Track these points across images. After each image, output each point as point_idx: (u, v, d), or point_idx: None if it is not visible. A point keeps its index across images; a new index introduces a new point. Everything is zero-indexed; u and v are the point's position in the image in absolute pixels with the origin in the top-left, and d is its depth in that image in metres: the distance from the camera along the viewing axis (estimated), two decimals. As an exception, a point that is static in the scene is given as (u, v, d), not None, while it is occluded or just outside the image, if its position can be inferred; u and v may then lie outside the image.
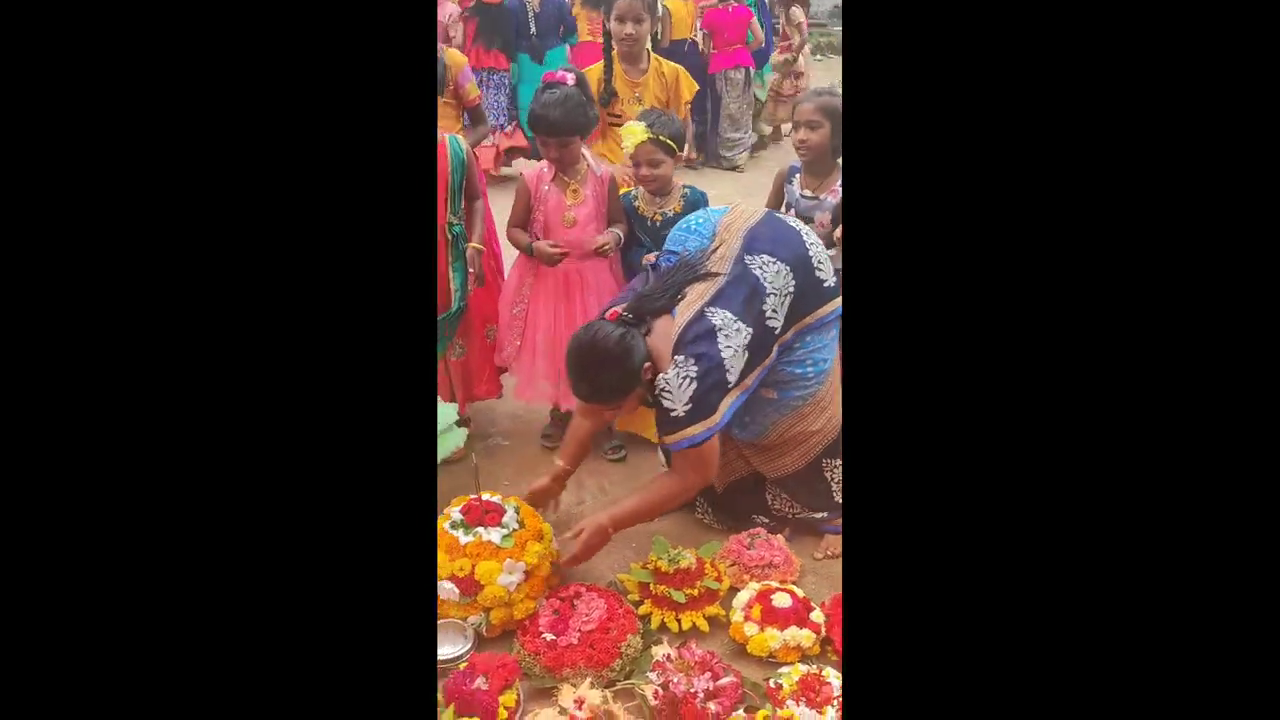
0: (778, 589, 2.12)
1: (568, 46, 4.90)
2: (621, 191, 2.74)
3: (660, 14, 5.15)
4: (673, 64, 3.17)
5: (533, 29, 4.76)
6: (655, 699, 1.86)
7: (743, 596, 2.13)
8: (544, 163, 2.60)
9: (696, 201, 2.68)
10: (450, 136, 2.60)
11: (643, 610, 2.13)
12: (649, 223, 2.66)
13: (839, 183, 2.58)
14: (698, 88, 3.17)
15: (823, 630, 2.05)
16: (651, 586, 2.15)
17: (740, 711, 1.83)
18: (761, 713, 1.79)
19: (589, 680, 1.91)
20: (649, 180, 2.62)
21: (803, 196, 2.63)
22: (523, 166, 4.93)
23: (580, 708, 1.83)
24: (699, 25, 5.65)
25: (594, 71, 3.07)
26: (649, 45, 3.13)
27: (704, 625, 2.11)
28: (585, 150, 2.61)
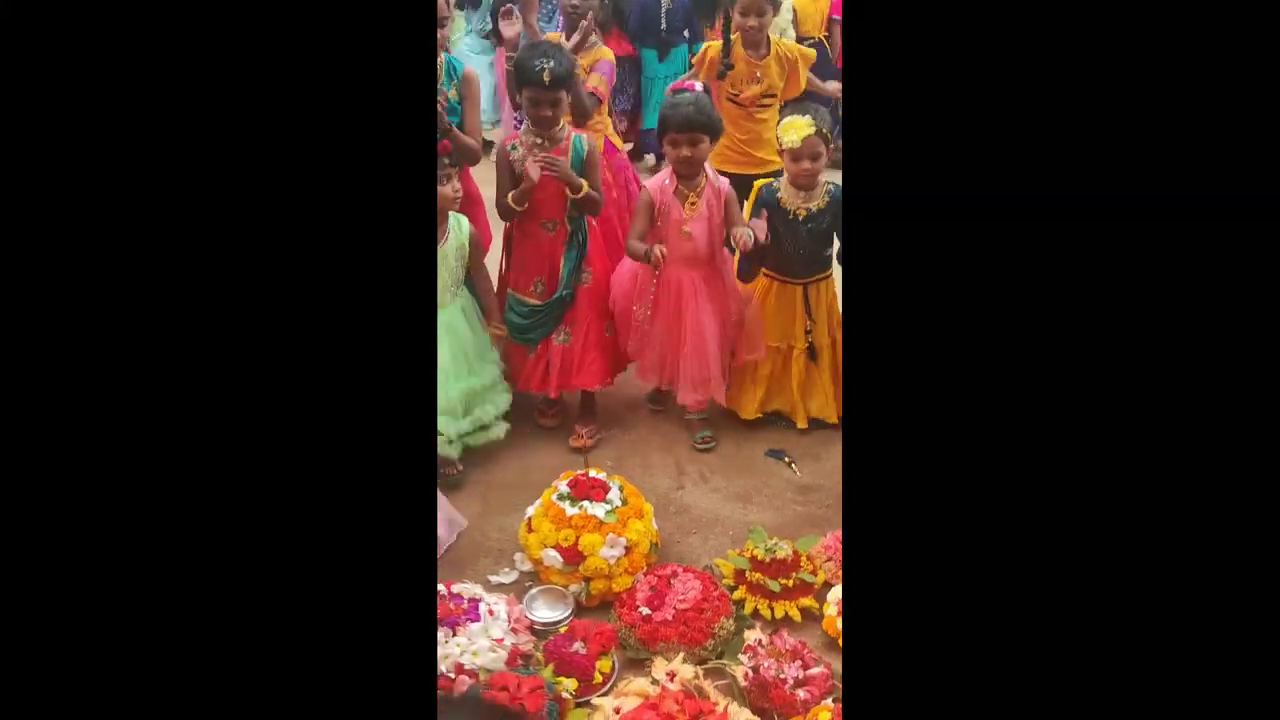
0: (873, 587, 2.13)
1: (690, 51, 4.95)
2: (761, 183, 2.79)
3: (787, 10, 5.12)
4: (793, 45, 3.26)
5: (663, 25, 4.84)
6: (745, 680, 1.91)
7: (838, 591, 2.16)
8: (665, 174, 2.66)
9: (839, 198, 2.68)
10: (574, 135, 2.68)
11: (737, 595, 2.18)
12: (790, 215, 2.68)
13: None
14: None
15: (916, 632, 2.06)
16: (747, 574, 2.19)
17: (829, 701, 1.86)
18: (850, 703, 1.82)
19: (681, 655, 1.97)
20: (809, 175, 2.63)
21: None
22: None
23: (672, 680, 1.89)
24: (829, 19, 5.54)
25: (712, 49, 3.16)
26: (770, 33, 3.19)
27: (796, 616, 2.14)
28: (705, 164, 2.67)
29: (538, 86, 2.53)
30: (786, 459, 2.77)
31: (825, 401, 2.88)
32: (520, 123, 2.87)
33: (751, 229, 2.59)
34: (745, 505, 2.59)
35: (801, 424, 2.89)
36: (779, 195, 2.69)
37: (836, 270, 2.85)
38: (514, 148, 2.65)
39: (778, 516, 2.54)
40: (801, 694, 1.88)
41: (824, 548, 2.32)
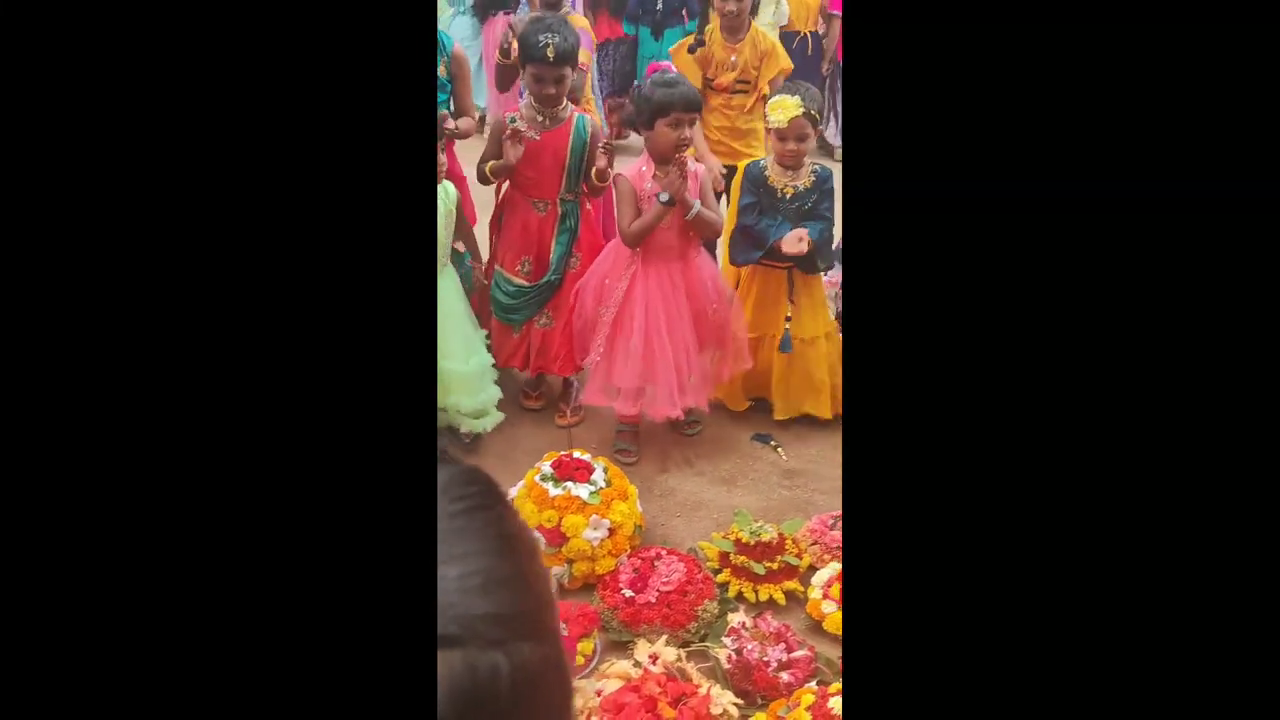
0: (858, 571, 2.12)
1: (686, 33, 4.92)
2: (747, 162, 2.74)
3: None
4: (771, 38, 3.21)
5: (659, 5, 4.80)
6: (729, 663, 1.89)
7: (822, 575, 2.14)
8: (641, 160, 2.59)
9: (826, 178, 2.66)
10: (577, 115, 2.64)
11: (721, 578, 2.16)
12: (779, 194, 2.64)
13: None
14: (791, 68, 3.16)
15: (901, 616, 2.05)
16: (731, 556, 2.17)
17: (813, 684, 1.84)
18: (835, 685, 1.81)
19: (664, 638, 1.95)
20: (795, 155, 2.58)
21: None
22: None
23: (654, 663, 1.87)
24: (827, 13, 5.48)
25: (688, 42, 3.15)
26: (751, 19, 3.18)
27: (781, 599, 2.13)
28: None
29: (541, 63, 2.46)
30: (773, 443, 2.75)
31: (818, 398, 2.77)
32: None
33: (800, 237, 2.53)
34: (730, 489, 2.57)
35: (779, 415, 2.79)
36: (766, 174, 2.66)
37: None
38: (513, 120, 2.58)
39: (763, 500, 2.53)
40: (785, 676, 1.86)
41: (809, 531, 2.30)
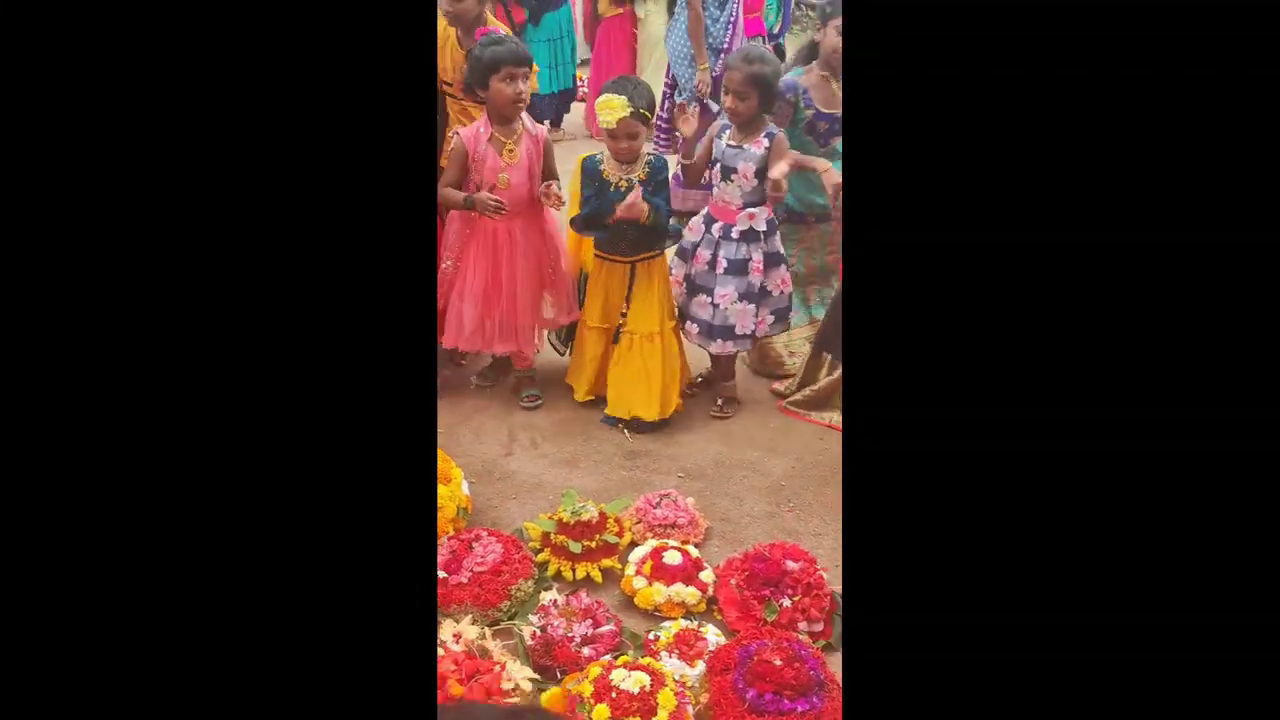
0: (672, 547, 2.16)
1: (570, 4, 4.94)
2: (584, 156, 2.77)
3: None
4: None
5: None
6: (531, 639, 1.92)
7: (639, 552, 2.18)
8: (481, 121, 2.64)
9: (660, 168, 2.69)
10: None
11: (541, 558, 2.19)
12: (613, 188, 2.65)
13: (763, 134, 2.65)
14: None
15: (710, 589, 2.09)
16: (551, 536, 2.20)
17: (607, 657, 1.88)
18: (623, 658, 1.84)
19: (470, 616, 1.97)
20: (628, 151, 2.62)
21: (729, 146, 2.67)
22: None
23: (457, 641, 1.89)
24: None
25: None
26: None
27: (598, 576, 2.16)
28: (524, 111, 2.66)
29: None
30: (620, 425, 2.78)
31: (648, 396, 2.73)
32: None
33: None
34: (571, 470, 2.60)
35: (610, 410, 2.78)
36: (602, 168, 2.68)
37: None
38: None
39: (602, 481, 2.56)
40: (587, 651, 1.89)
41: (635, 510, 2.34)
